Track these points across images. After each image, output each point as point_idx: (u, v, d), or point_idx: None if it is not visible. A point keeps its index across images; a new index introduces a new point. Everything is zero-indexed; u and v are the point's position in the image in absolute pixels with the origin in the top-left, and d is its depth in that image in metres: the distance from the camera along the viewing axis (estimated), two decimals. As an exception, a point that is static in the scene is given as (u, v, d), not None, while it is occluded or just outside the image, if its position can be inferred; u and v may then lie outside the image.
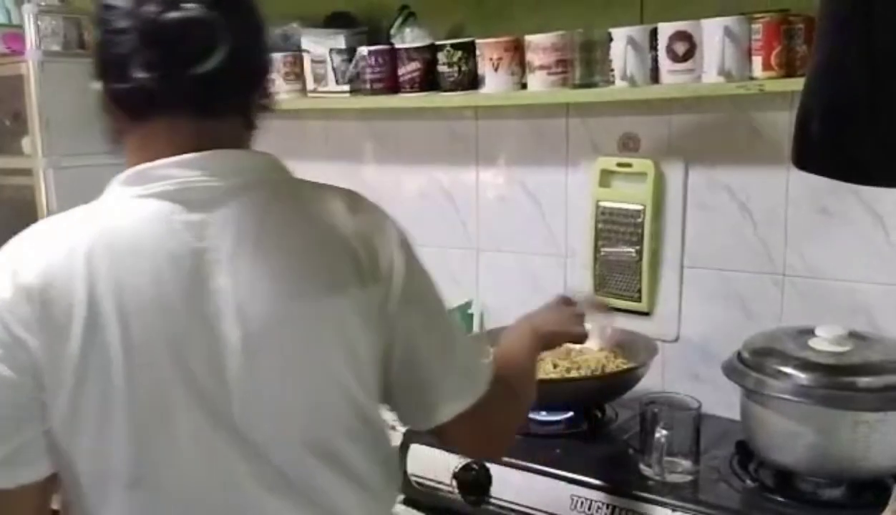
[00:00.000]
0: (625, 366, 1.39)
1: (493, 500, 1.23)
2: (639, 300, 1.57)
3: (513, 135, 1.72)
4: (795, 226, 1.42)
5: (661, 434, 1.13)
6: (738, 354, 1.22)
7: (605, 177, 1.57)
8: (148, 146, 0.83)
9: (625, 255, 1.57)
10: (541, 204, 1.70)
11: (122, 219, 0.82)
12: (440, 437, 0.97)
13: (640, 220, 1.55)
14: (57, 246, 0.80)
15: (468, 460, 1.26)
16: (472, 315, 1.77)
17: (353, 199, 0.91)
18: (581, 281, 1.64)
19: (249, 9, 0.87)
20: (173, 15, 0.80)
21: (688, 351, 1.54)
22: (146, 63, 0.80)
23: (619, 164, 1.55)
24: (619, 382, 1.34)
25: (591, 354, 1.47)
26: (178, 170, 0.82)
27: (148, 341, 0.79)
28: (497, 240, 1.77)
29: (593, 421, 1.34)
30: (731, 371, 1.19)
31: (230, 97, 0.86)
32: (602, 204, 1.59)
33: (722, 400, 1.32)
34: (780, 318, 1.43)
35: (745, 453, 1.21)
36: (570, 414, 1.36)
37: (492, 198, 1.76)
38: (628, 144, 1.56)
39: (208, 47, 0.80)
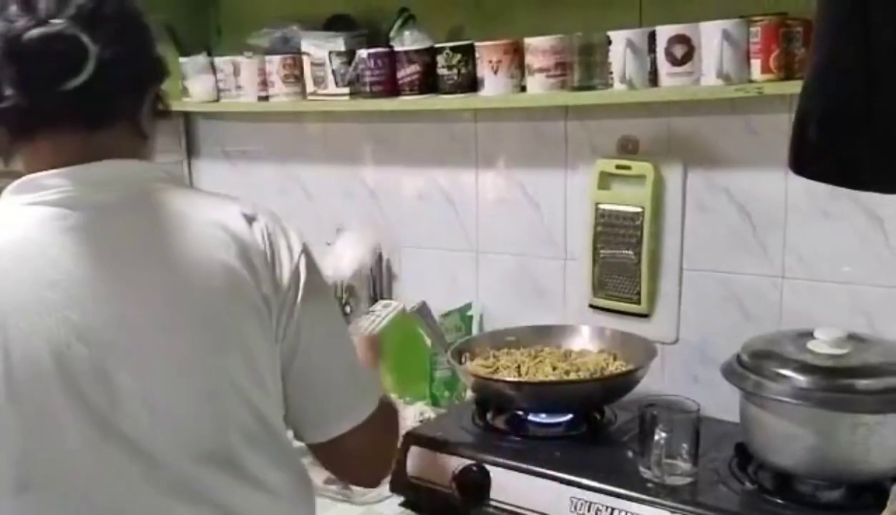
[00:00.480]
0: (624, 369, 1.39)
1: (492, 503, 1.23)
2: (638, 302, 1.57)
3: (512, 137, 1.72)
4: (794, 229, 1.42)
5: (660, 436, 1.13)
6: (738, 357, 1.22)
7: (604, 179, 1.57)
8: (37, 159, 0.85)
9: (624, 257, 1.57)
10: (540, 206, 1.70)
11: (10, 225, 0.83)
12: (328, 455, 0.97)
13: (639, 223, 1.55)
14: None
15: (468, 462, 1.26)
16: (471, 317, 1.77)
17: (252, 209, 0.90)
18: (581, 283, 1.64)
19: (128, 19, 0.87)
20: (35, 32, 0.80)
21: (687, 353, 1.54)
22: (14, 81, 0.81)
23: (618, 167, 1.56)
24: (619, 384, 1.34)
25: (590, 357, 1.47)
26: (61, 179, 0.84)
27: (29, 348, 0.79)
28: (496, 242, 1.77)
29: (593, 424, 1.34)
30: (730, 373, 1.19)
31: (111, 109, 0.86)
32: (601, 206, 1.59)
33: (721, 403, 1.32)
34: (780, 321, 1.43)
35: (744, 455, 1.21)
36: (570, 416, 1.36)
37: (491, 201, 1.77)
38: (627, 147, 1.57)
39: (75, 61, 0.80)
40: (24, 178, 0.85)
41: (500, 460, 1.25)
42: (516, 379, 1.36)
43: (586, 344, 1.52)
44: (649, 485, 1.15)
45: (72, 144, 0.85)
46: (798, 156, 0.80)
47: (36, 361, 0.79)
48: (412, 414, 1.56)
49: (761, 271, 1.46)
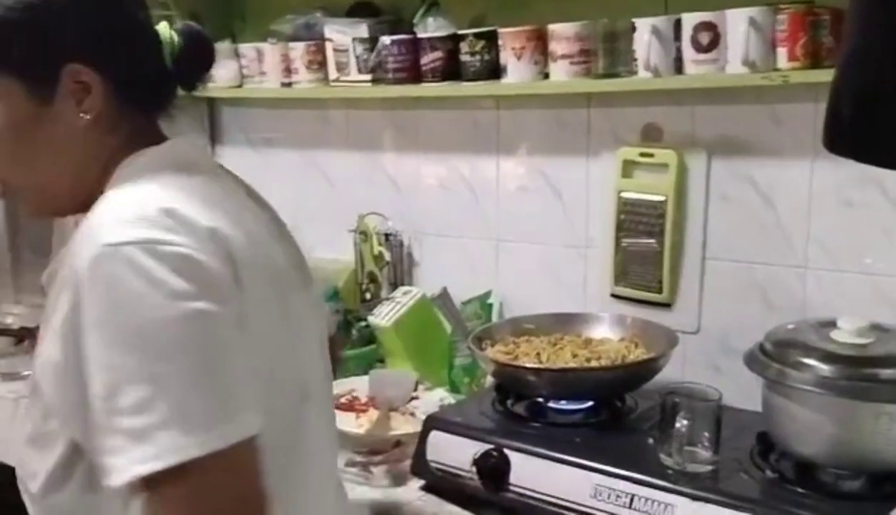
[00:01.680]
0: (645, 357, 1.39)
1: (512, 488, 1.23)
2: (659, 291, 1.57)
3: (534, 124, 1.72)
4: (818, 218, 1.41)
5: (681, 424, 1.13)
6: (760, 345, 1.21)
7: (628, 167, 1.57)
8: (144, 134, 0.92)
9: (646, 246, 1.57)
10: (561, 194, 1.70)
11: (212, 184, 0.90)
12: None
13: (661, 211, 1.54)
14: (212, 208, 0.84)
15: (489, 447, 1.26)
16: (491, 304, 1.77)
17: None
18: (602, 272, 1.64)
19: None
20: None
21: (708, 342, 1.54)
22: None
23: (642, 155, 1.55)
24: (640, 372, 1.34)
25: (610, 345, 1.47)
26: (197, 153, 0.97)
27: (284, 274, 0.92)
28: (517, 231, 1.77)
29: (613, 411, 1.35)
30: (752, 362, 1.19)
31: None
32: (624, 194, 1.59)
33: (742, 393, 1.32)
34: (803, 311, 1.43)
35: (766, 444, 1.21)
36: (590, 403, 1.37)
37: (512, 189, 1.77)
38: (651, 135, 1.56)
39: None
40: (174, 153, 0.91)
41: (521, 445, 1.25)
42: (537, 366, 1.36)
43: (607, 332, 1.52)
44: (669, 472, 1.15)
45: (154, 125, 0.95)
46: (831, 134, 0.80)
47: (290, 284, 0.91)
48: (433, 400, 1.57)
49: (785, 261, 1.45)
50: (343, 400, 1.57)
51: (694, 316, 1.55)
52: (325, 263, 2.00)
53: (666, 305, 1.58)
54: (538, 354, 1.40)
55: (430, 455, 1.32)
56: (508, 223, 1.78)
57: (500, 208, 1.79)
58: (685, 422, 1.12)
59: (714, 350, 1.52)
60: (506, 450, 1.25)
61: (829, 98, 0.79)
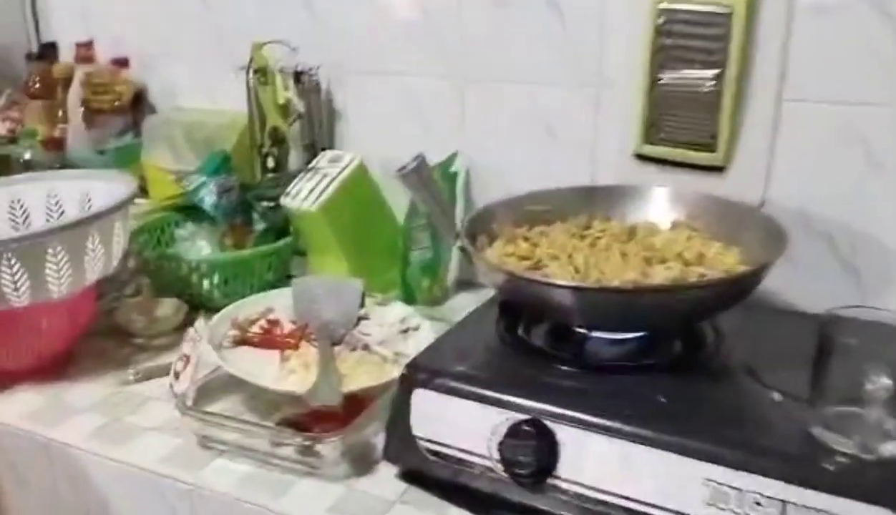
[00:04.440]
0: (753, 263, 0.90)
1: (562, 483, 0.76)
2: (712, 148, 1.08)
3: None
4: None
5: (878, 384, 0.66)
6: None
7: (674, -38, 1.04)
8: None
9: (696, 83, 1.07)
10: (561, 8, 1.16)
11: None
12: None
13: (724, 30, 1.03)
14: None
15: (518, 414, 0.78)
16: (456, 174, 1.24)
17: None
18: (623, 122, 1.13)
19: None
20: None
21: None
22: None
23: (699, -58, 1.02)
24: (745, 286, 0.85)
25: (664, 235, 0.98)
26: None
27: None
28: (492, 65, 1.22)
29: (689, 343, 0.87)
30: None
31: None
32: (663, 4, 1.06)
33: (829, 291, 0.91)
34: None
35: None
36: (641, 333, 0.88)
37: (484, 3, 1.20)
38: None
39: None
40: None
41: (573, 414, 0.76)
42: (592, 285, 0.84)
43: (651, 213, 1.03)
44: (846, 462, 0.69)
45: None
46: None
47: None
48: (391, 321, 1.06)
49: (909, 102, 0.99)
50: (257, 327, 1.04)
51: (758, 182, 1.08)
52: (204, 116, 1.41)
53: (717, 169, 1.10)
54: (570, 257, 0.89)
55: (416, 431, 0.82)
56: (479, 53, 1.23)
57: (467, 33, 1.23)
58: (888, 383, 0.66)
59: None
60: (548, 421, 0.77)
61: None
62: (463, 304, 1.22)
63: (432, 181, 0.89)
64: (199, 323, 0.99)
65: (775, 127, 1.06)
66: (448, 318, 1.14)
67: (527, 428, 0.77)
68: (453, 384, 0.82)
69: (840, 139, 1.03)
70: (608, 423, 0.75)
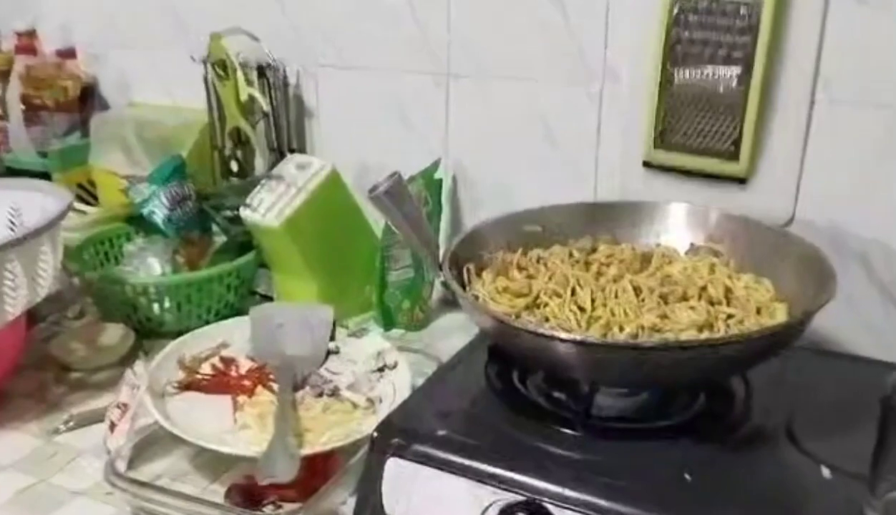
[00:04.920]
0: (772, 299, 0.76)
1: (565, 581, 0.62)
2: (734, 157, 0.94)
3: None
4: None
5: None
6: None
7: (694, -58, 0.90)
8: None
9: (718, 82, 0.93)
10: (562, -3, 1.01)
11: None
12: None
13: (750, 20, 0.89)
14: None
15: (513, 493, 0.64)
16: (440, 182, 1.10)
17: None
18: (631, 126, 0.99)
19: None
20: None
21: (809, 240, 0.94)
22: None
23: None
24: (780, 343, 0.70)
25: (683, 263, 0.83)
26: None
27: None
28: (483, 59, 1.08)
29: (715, 401, 0.74)
30: None
31: None
32: (681, -8, 0.92)
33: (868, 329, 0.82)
34: None
35: None
36: (646, 393, 0.74)
37: (473, -13, 1.06)
38: None
39: None
40: None
41: (577, 495, 0.63)
42: (608, 341, 0.69)
43: (666, 235, 0.89)
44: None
45: None
46: None
47: None
48: (366, 356, 0.91)
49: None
50: (208, 366, 0.89)
51: (788, 197, 0.94)
52: (160, 114, 1.27)
53: (739, 181, 0.96)
54: (574, 294, 0.75)
55: (391, 508, 0.68)
56: (468, 45, 1.08)
57: (453, 22, 1.08)
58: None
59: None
60: (548, 503, 0.63)
61: None
62: (448, 326, 1.09)
63: (410, 203, 0.74)
64: (139, 365, 0.85)
65: (807, 133, 0.92)
66: (431, 347, 1.00)
67: (522, 513, 0.63)
68: (434, 453, 0.68)
69: (881, 148, 0.89)
70: (623, 510, 0.61)
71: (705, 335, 0.69)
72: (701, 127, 0.95)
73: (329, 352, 0.93)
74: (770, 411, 0.73)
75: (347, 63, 1.16)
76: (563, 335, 0.65)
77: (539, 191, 1.05)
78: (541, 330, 0.66)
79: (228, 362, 0.90)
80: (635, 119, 0.98)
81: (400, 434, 0.69)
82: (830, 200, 0.93)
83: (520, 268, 0.81)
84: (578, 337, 0.66)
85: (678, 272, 0.80)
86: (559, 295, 0.75)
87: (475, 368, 0.79)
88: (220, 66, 1.15)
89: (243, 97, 1.16)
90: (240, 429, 0.80)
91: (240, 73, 1.15)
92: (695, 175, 0.97)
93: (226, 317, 1.02)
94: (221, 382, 0.87)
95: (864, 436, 0.59)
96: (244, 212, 1.04)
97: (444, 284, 0.76)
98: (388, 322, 1.07)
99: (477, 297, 0.77)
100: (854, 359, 0.87)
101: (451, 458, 0.67)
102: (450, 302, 1.13)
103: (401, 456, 0.68)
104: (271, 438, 0.75)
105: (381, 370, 0.90)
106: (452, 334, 1.05)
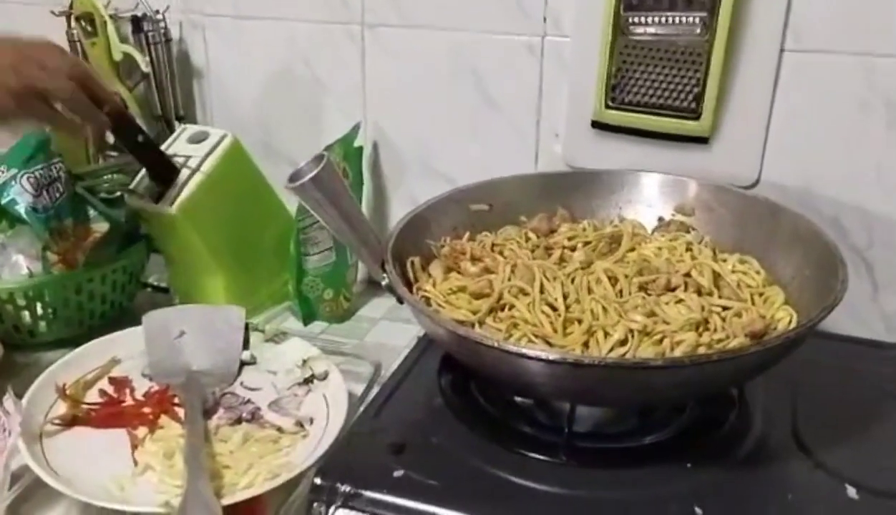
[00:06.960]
0: (766, 283, 0.66)
1: None
2: (695, 115, 0.84)
3: None
4: None
5: None
6: None
7: None
8: None
9: (677, 31, 0.81)
10: (492, -71, 0.87)
11: None
12: None
13: (715, -38, 0.78)
14: None
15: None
16: (359, 151, 0.96)
17: None
18: (578, 81, 0.87)
19: None
20: None
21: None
22: None
23: None
24: (792, 347, 0.59)
25: (654, 240, 0.73)
26: None
27: None
28: (400, 5, 0.93)
29: (709, 417, 0.63)
30: None
31: None
32: (635, -73, 0.80)
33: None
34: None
35: None
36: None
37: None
38: None
39: None
40: None
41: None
42: (598, 361, 0.56)
43: (631, 208, 0.78)
44: None
45: None
46: None
47: None
48: (287, 366, 0.77)
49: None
50: (95, 392, 0.74)
51: (753, 157, 0.85)
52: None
53: (700, 140, 0.86)
54: (542, 291, 0.63)
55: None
56: (383, -9, 0.93)
57: (365, -39, 0.93)
58: None
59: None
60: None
61: None
62: (376, 314, 0.96)
63: (343, 191, 0.60)
64: (8, 398, 0.68)
65: (775, 86, 0.83)
66: (363, 347, 0.87)
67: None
68: (391, 500, 0.55)
69: (856, 101, 0.80)
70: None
71: (705, 338, 0.59)
72: (658, 82, 0.84)
73: (243, 363, 0.78)
74: (770, 412, 0.63)
75: (241, 12, 0.99)
76: (546, 354, 0.52)
77: (474, 160, 0.93)
78: (515, 350, 0.54)
79: (121, 384, 0.74)
80: (582, 73, 0.86)
81: (348, 479, 0.56)
82: (800, 159, 0.84)
83: (473, 259, 0.68)
84: (559, 357, 0.53)
85: (653, 254, 0.69)
86: (526, 293, 0.63)
87: (425, 380, 0.67)
88: (87, 20, 0.96)
89: (117, 56, 0.98)
90: (141, 473, 0.65)
91: (111, 28, 0.97)
92: (650, 136, 0.87)
93: (114, 322, 0.86)
94: (114, 412, 0.71)
95: (879, 435, 0.50)
96: (130, 199, 0.87)
97: (389, 288, 0.62)
98: (307, 315, 0.93)
99: (428, 301, 0.64)
100: (843, 340, 0.78)
101: (412, 506, 0.55)
102: (375, 284, 1.00)
103: (351, 507, 0.55)
104: (184, 488, 0.60)
105: (308, 381, 0.76)
106: (383, 324, 0.92)
